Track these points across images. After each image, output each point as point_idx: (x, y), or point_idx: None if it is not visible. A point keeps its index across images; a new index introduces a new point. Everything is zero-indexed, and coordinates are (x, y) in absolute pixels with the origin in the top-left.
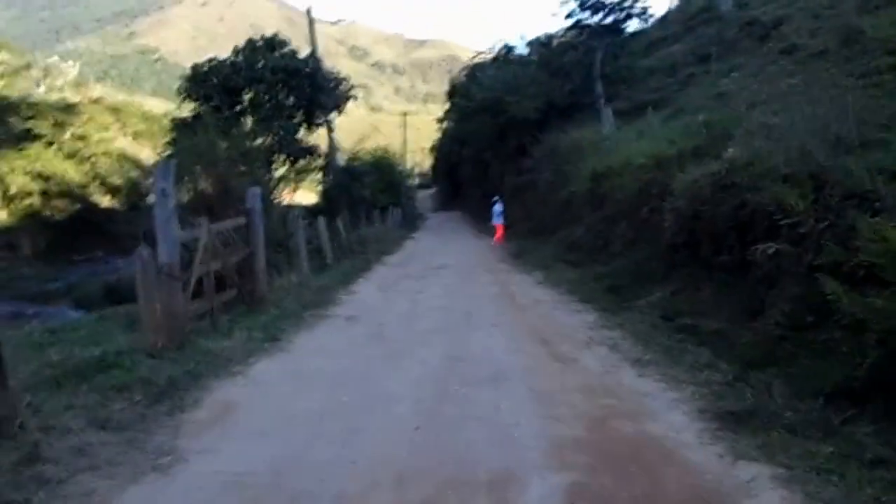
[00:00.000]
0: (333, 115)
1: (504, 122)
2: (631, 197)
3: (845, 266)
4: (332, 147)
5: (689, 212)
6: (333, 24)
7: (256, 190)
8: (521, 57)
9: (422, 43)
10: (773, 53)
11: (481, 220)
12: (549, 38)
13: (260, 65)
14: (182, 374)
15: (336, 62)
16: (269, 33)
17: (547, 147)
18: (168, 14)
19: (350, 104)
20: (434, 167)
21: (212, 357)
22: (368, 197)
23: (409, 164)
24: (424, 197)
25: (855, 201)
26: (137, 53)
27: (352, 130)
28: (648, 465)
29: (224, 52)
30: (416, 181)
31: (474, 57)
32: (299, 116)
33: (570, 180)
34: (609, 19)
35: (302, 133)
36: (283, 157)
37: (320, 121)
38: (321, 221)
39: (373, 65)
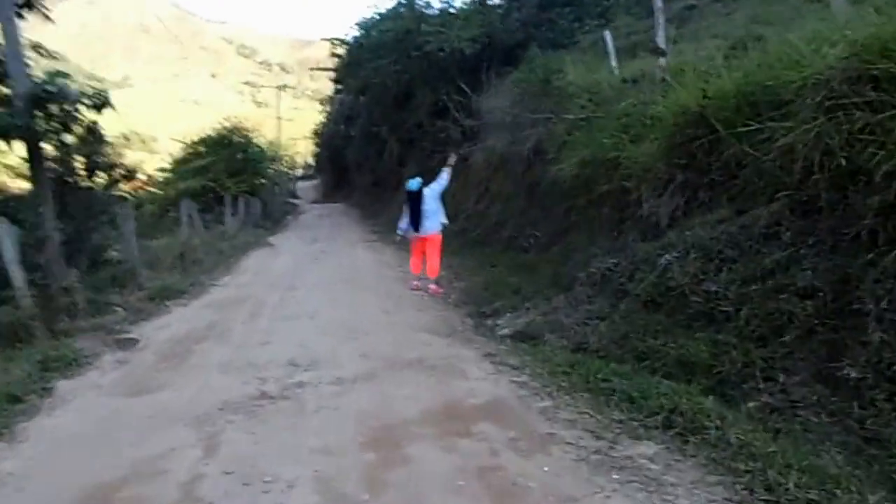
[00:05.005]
0: None
1: (417, 70)
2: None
3: None
4: (14, 43)
5: None
6: (222, 23)
7: None
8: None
9: (308, 43)
10: None
11: (371, 214)
12: None
13: None
14: None
15: (225, 60)
16: None
17: (500, 95)
18: None
19: (235, 98)
20: (316, 155)
21: None
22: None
23: (289, 153)
24: (307, 188)
25: None
26: None
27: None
28: None
29: None
30: (299, 172)
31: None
32: None
33: (563, 149)
34: None
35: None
36: None
37: None
38: None
39: (261, 63)
